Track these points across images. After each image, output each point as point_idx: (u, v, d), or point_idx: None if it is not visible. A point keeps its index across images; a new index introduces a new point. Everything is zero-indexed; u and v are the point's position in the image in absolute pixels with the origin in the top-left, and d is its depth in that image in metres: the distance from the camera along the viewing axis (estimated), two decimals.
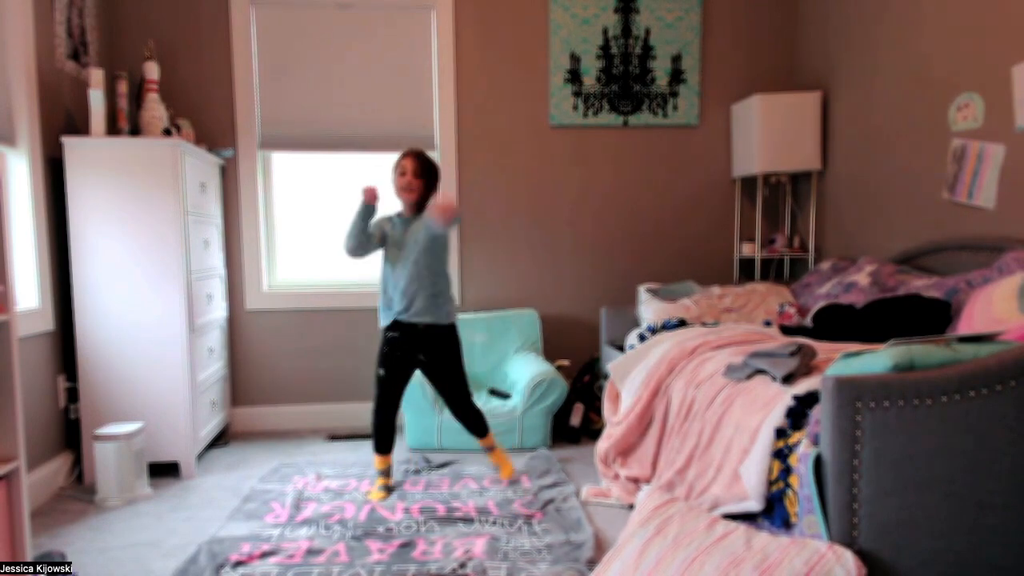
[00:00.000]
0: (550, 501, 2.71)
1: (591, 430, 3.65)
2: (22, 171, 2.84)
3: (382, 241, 2.86)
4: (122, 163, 3.00)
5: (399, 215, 2.88)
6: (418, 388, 3.36)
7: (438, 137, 3.94)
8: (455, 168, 3.95)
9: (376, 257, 2.93)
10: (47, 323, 2.95)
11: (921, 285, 2.74)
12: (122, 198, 3.00)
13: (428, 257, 2.76)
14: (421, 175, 2.80)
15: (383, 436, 2.87)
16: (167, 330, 3.05)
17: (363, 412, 3.98)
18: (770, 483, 1.88)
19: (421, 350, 2.82)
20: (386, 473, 2.89)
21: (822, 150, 3.81)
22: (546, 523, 2.51)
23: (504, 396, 3.57)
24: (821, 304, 2.98)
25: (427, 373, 2.90)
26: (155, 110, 3.19)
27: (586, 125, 4.03)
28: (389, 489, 2.86)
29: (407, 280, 2.75)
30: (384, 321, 2.84)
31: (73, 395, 3.09)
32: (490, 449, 3.00)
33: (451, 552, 2.28)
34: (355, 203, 2.81)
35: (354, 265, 4.02)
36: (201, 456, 3.37)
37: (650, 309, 3.53)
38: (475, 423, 2.96)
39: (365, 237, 2.81)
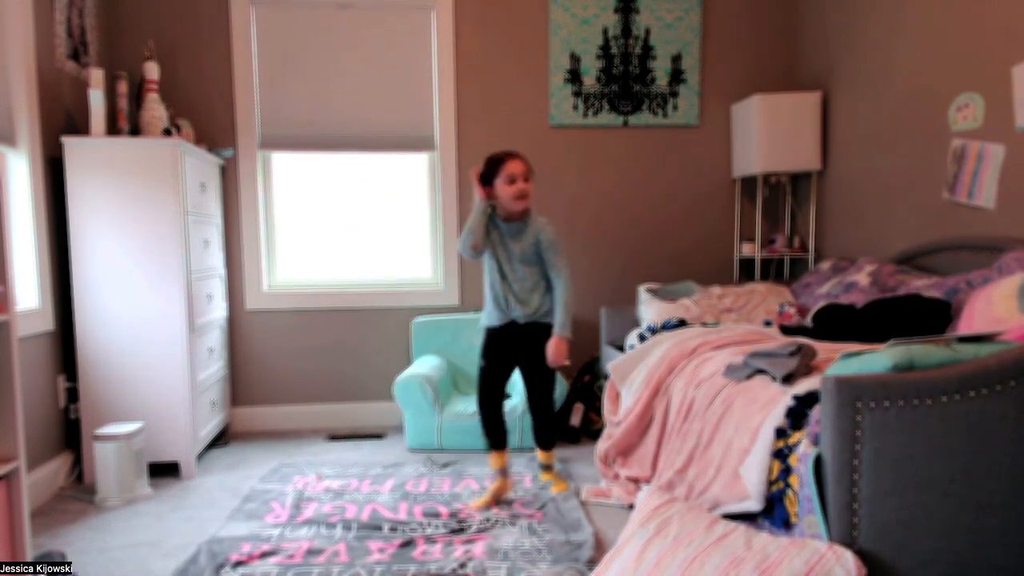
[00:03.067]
0: (550, 501, 2.71)
1: (591, 430, 3.65)
2: (22, 171, 2.84)
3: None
4: (122, 163, 3.00)
5: (497, 217, 2.73)
6: (417, 388, 3.36)
7: (438, 137, 3.94)
8: (455, 168, 3.95)
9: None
10: (47, 323, 2.95)
11: (921, 285, 2.74)
12: (122, 198, 3.00)
13: (532, 267, 2.73)
14: (531, 179, 2.69)
15: (490, 430, 2.80)
16: (167, 330, 3.05)
17: (363, 412, 3.98)
18: (770, 483, 1.88)
19: (522, 346, 2.75)
20: (503, 472, 2.78)
21: (822, 150, 3.81)
22: (546, 523, 2.51)
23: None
24: (821, 304, 2.98)
25: (523, 370, 2.82)
26: (155, 110, 3.19)
27: (586, 125, 4.03)
28: (499, 501, 2.73)
29: (519, 284, 2.71)
30: (489, 321, 2.77)
31: (73, 395, 3.09)
32: (546, 468, 2.92)
33: (451, 552, 2.28)
34: (475, 200, 2.70)
35: (354, 265, 4.03)
36: (201, 456, 3.37)
37: (650, 309, 3.53)
38: (542, 430, 2.88)
39: (485, 233, 2.70)
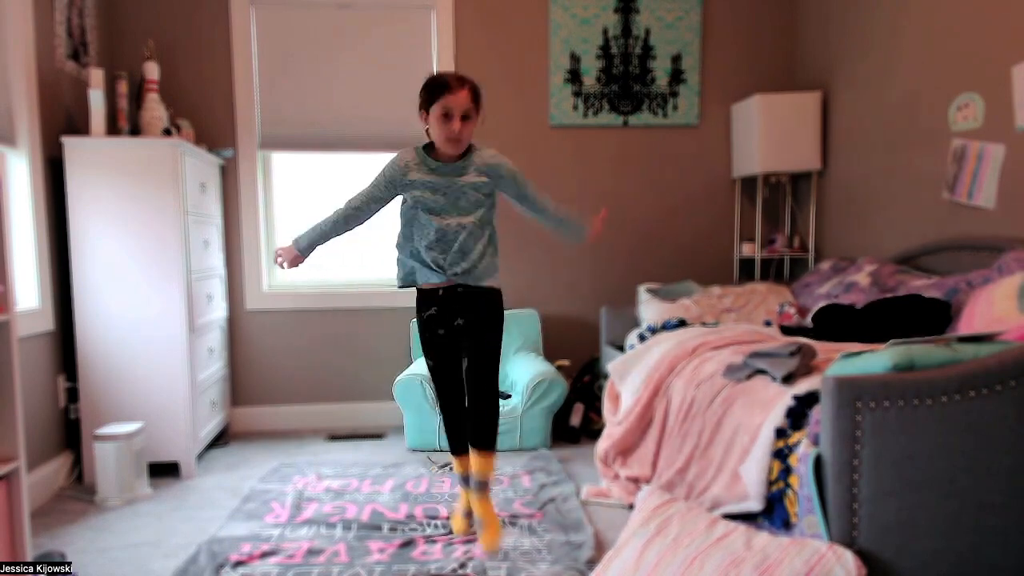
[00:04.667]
0: (550, 501, 2.71)
1: (591, 430, 3.65)
2: (22, 171, 2.84)
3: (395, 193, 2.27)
4: (122, 163, 2.99)
5: (430, 157, 2.22)
6: (418, 387, 3.36)
7: None
8: None
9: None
10: (47, 323, 2.95)
11: (921, 285, 2.74)
12: (122, 198, 3.00)
13: (490, 213, 2.27)
14: (475, 113, 2.18)
15: (453, 432, 2.39)
16: (167, 330, 3.05)
17: (363, 412, 3.98)
18: (770, 483, 1.88)
19: (460, 315, 2.24)
20: (465, 480, 2.35)
21: (822, 150, 3.81)
22: (546, 523, 2.51)
23: (504, 396, 3.57)
24: (821, 304, 2.98)
25: (465, 343, 2.28)
26: (155, 110, 3.19)
27: (586, 125, 4.03)
28: (470, 515, 2.36)
29: (461, 236, 2.18)
30: (424, 281, 2.26)
31: (73, 395, 3.09)
32: (481, 487, 2.28)
33: (451, 552, 2.28)
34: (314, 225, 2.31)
35: (354, 265, 4.03)
36: (201, 456, 3.37)
37: (650, 309, 3.53)
38: (485, 422, 2.27)
39: (366, 211, 2.29)
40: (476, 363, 2.25)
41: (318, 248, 2.31)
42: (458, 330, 2.26)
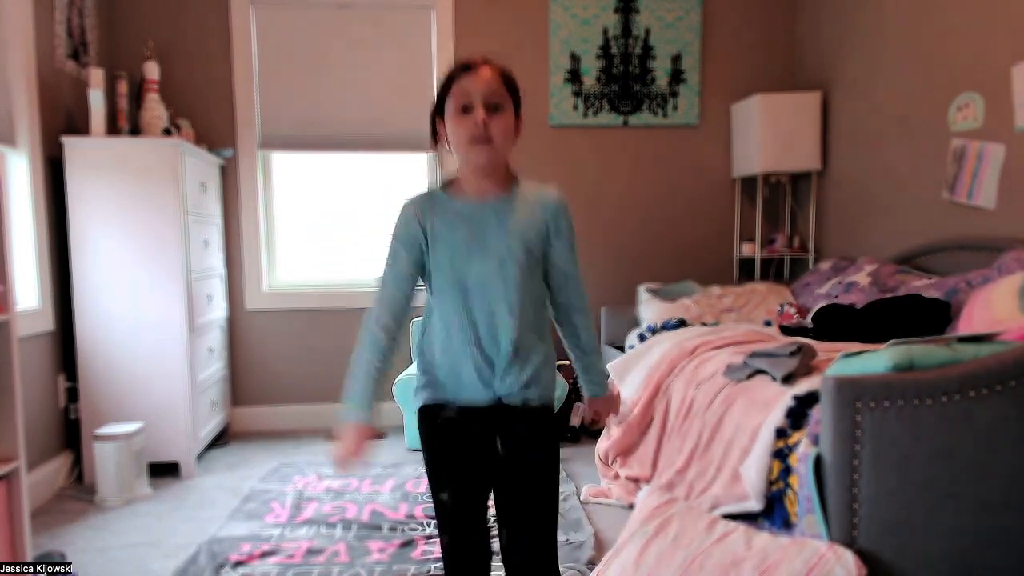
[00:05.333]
0: None
1: (591, 430, 3.65)
2: (22, 171, 2.84)
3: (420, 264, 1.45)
4: (122, 163, 2.99)
5: (450, 195, 1.44)
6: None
7: None
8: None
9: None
10: (47, 323, 2.95)
11: (921, 285, 2.74)
12: (122, 198, 3.00)
13: (530, 273, 1.43)
14: (509, 104, 1.40)
15: None
16: (167, 330, 3.05)
17: None
18: (770, 483, 1.88)
19: (508, 449, 1.45)
20: None
21: (822, 150, 3.81)
22: None
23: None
24: (821, 304, 2.98)
25: (508, 493, 1.47)
26: (155, 110, 3.19)
27: (586, 125, 4.03)
28: None
29: (510, 315, 1.39)
30: (455, 397, 1.44)
31: (73, 395, 3.09)
32: None
33: None
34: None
35: (354, 265, 4.02)
36: (201, 456, 3.37)
37: (650, 309, 3.53)
38: None
39: (400, 306, 1.44)
40: (525, 535, 1.44)
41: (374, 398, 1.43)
42: (494, 463, 1.46)
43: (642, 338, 3.24)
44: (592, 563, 2.16)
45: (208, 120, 3.76)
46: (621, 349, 3.51)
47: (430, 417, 1.46)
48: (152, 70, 3.25)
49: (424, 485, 2.93)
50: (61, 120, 3.12)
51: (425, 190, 1.48)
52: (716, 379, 2.39)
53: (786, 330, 2.90)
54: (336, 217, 4.01)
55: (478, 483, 1.47)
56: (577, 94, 4.00)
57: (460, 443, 1.45)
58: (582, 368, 1.61)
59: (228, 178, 3.82)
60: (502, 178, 1.44)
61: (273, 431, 3.89)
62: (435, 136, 1.47)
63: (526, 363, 1.41)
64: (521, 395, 1.41)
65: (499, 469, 1.44)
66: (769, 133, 3.74)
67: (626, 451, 2.84)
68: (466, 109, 1.37)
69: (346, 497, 2.80)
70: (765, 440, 1.91)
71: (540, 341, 1.45)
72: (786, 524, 1.82)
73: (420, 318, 1.50)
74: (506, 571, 1.47)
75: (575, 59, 3.98)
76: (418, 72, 3.92)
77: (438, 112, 1.43)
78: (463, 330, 1.39)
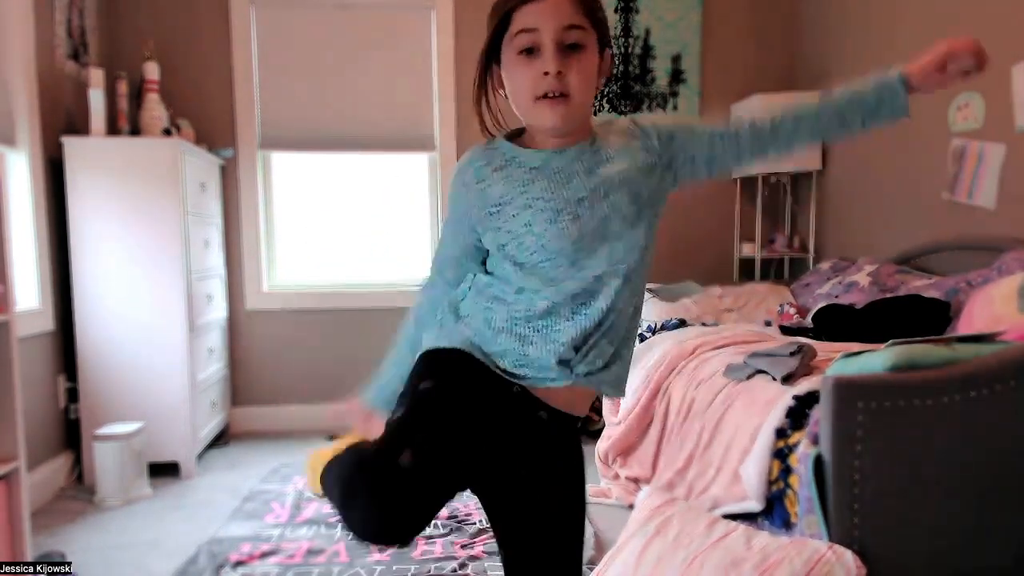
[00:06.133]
0: None
1: (591, 430, 3.65)
2: (22, 171, 2.84)
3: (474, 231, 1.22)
4: (122, 163, 3.00)
5: (513, 144, 1.19)
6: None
7: (438, 137, 3.94)
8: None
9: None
10: (47, 323, 2.95)
11: (921, 285, 2.74)
12: (122, 198, 3.00)
13: (637, 227, 1.17)
14: (591, 37, 1.13)
15: None
16: (167, 330, 3.05)
17: None
18: (770, 483, 1.88)
19: (538, 462, 1.31)
20: None
21: (822, 150, 3.81)
22: None
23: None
24: (821, 304, 2.98)
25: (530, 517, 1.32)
26: (155, 110, 3.19)
27: None
28: None
29: (609, 303, 1.15)
30: (515, 364, 1.18)
31: (73, 395, 3.09)
32: None
33: (451, 552, 2.28)
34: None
35: (354, 265, 4.02)
36: (201, 456, 3.37)
37: (650, 309, 3.53)
38: None
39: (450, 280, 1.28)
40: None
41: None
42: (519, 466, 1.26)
43: (642, 338, 3.23)
44: (592, 563, 2.16)
45: (208, 120, 3.76)
46: None
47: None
48: (152, 70, 3.25)
49: None
50: (61, 120, 3.12)
51: (486, 141, 1.22)
52: (716, 379, 2.39)
53: (786, 330, 2.90)
54: (336, 217, 4.01)
55: (486, 435, 1.13)
56: None
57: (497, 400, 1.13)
58: (854, 104, 1.25)
59: (228, 178, 3.82)
60: (582, 128, 1.15)
61: (273, 431, 3.89)
62: (484, 88, 1.13)
63: (611, 346, 1.20)
64: (598, 382, 1.20)
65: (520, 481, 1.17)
66: None
67: (626, 451, 2.84)
68: (531, 51, 1.09)
69: None
70: (765, 440, 1.91)
71: (629, 308, 1.20)
72: (786, 524, 1.82)
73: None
74: None
75: None
76: (418, 72, 3.92)
77: (490, 55, 1.13)
78: (541, 297, 1.14)
